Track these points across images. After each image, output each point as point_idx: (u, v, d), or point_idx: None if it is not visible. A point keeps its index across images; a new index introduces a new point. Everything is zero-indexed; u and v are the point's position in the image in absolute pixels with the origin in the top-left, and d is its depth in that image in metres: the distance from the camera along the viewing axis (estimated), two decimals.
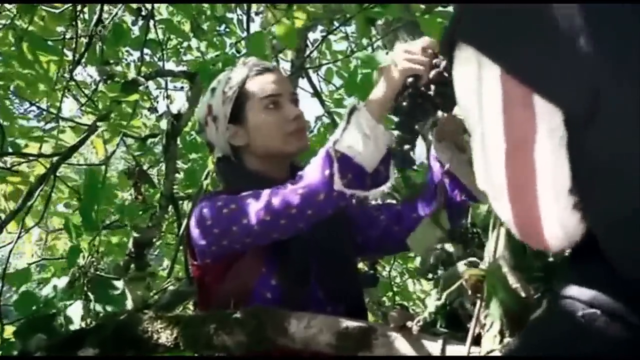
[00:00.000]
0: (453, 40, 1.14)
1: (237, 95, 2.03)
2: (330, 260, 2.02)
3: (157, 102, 5.26)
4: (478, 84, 1.09)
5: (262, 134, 2.03)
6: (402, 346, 1.65)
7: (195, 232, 2.01)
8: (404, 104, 1.79)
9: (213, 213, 1.95)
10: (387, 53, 2.50)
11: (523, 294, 1.34)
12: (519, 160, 1.06)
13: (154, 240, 4.33)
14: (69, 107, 5.32)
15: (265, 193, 1.85)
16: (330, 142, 1.77)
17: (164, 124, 4.68)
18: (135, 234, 3.87)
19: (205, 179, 3.36)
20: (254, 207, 1.84)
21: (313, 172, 1.79)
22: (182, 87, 5.70)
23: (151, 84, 5.03)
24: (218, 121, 2.05)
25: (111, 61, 4.71)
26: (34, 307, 2.55)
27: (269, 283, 1.98)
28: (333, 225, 2.00)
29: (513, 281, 1.34)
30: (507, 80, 1.06)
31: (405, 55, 1.75)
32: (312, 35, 5.06)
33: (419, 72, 1.74)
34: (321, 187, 1.76)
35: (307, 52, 4.42)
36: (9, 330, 2.77)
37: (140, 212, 4.14)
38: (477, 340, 1.40)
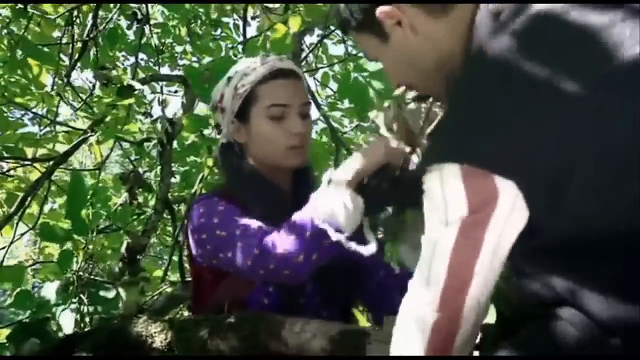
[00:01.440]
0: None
1: (246, 95, 2.00)
2: (328, 268, 2.01)
3: (152, 107, 5.24)
4: (440, 183, 1.30)
5: (261, 143, 2.02)
6: None
7: (191, 237, 2.02)
8: (370, 184, 1.82)
9: (207, 228, 1.95)
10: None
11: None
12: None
13: (148, 245, 4.32)
14: (64, 112, 5.30)
15: (254, 237, 1.85)
16: (311, 209, 1.80)
17: (158, 128, 4.69)
18: (128, 240, 3.86)
19: (200, 182, 3.35)
20: (240, 247, 1.86)
21: (295, 235, 1.81)
22: (176, 91, 5.69)
23: (146, 89, 5.02)
24: (225, 112, 2.05)
25: (107, 65, 4.70)
26: (29, 305, 2.55)
27: (267, 289, 1.97)
28: None
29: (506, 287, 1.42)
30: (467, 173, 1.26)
31: (390, 147, 1.80)
32: (308, 39, 5.07)
33: (396, 162, 1.80)
34: (300, 252, 1.79)
35: (303, 56, 4.41)
36: (2, 334, 2.76)
37: (134, 217, 4.13)
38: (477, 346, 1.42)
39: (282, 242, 1.81)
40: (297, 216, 1.82)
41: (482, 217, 1.26)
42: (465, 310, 1.29)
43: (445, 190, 1.29)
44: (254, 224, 1.90)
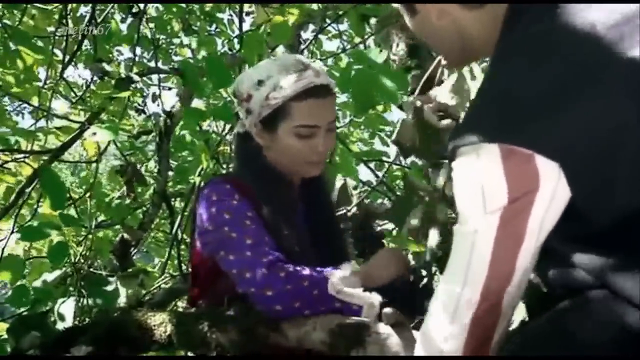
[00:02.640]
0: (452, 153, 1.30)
1: (278, 107, 1.94)
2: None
3: (145, 103, 5.23)
4: (479, 164, 1.24)
5: (284, 155, 1.99)
6: (395, 343, 1.66)
7: (199, 223, 2.00)
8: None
9: (217, 222, 1.93)
10: (380, 51, 2.50)
11: None
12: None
13: (142, 240, 4.32)
14: (59, 106, 5.28)
15: (265, 256, 1.86)
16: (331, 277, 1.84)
17: (150, 125, 4.69)
18: (125, 234, 3.86)
19: (199, 175, 3.35)
20: (249, 259, 1.85)
21: (305, 283, 1.83)
22: (170, 88, 5.67)
23: (140, 85, 5.02)
24: (251, 114, 1.99)
25: (104, 59, 4.69)
26: (26, 301, 2.55)
27: None
28: (337, 240, 2.11)
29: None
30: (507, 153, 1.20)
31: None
32: (303, 35, 5.07)
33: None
34: (299, 301, 1.81)
35: (300, 50, 4.41)
36: (1, 327, 2.76)
37: (131, 211, 4.14)
38: None
39: (290, 279, 1.81)
40: (317, 273, 1.84)
41: (524, 205, 1.21)
42: (505, 303, 1.26)
43: (483, 175, 1.24)
44: (266, 238, 1.90)
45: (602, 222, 1.21)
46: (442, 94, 1.97)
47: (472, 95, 1.85)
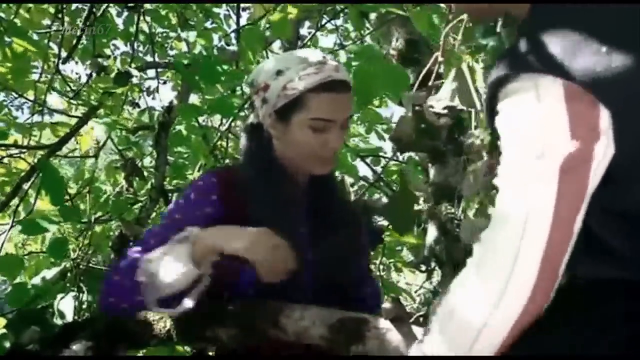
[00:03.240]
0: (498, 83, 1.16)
1: (294, 98, 1.92)
2: (327, 281, 2.00)
3: (140, 97, 5.22)
4: (537, 103, 1.09)
5: (295, 147, 1.97)
6: (395, 338, 1.66)
7: None
8: None
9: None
10: (380, 46, 2.51)
11: None
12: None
13: (140, 236, 4.32)
14: (54, 101, 5.27)
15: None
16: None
17: (146, 118, 4.69)
18: (123, 229, 3.87)
19: (198, 171, 3.35)
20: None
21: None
22: (165, 82, 5.67)
23: (136, 80, 5.01)
24: (266, 103, 1.98)
25: (102, 53, 4.69)
26: (26, 300, 2.55)
27: (252, 280, 1.96)
28: (337, 249, 2.03)
29: None
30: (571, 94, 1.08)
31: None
32: (300, 31, 5.07)
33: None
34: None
35: (298, 46, 4.41)
36: (1, 323, 2.76)
37: (130, 205, 4.13)
38: None
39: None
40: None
41: (586, 156, 1.07)
42: (561, 268, 1.11)
43: (543, 117, 1.09)
44: (155, 238, 1.93)
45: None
46: (444, 94, 1.97)
47: (475, 92, 1.85)
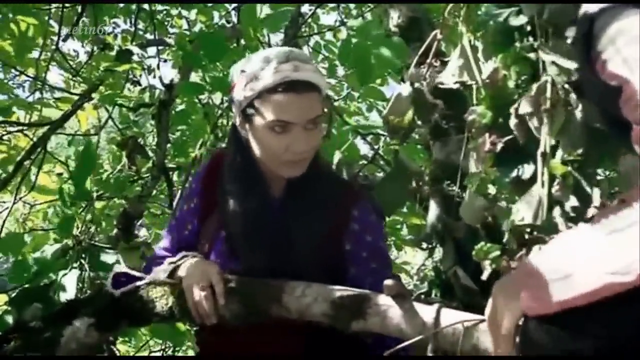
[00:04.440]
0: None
1: (254, 99, 1.88)
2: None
3: (141, 75, 5.21)
4: None
5: (259, 148, 1.92)
6: (396, 315, 1.67)
7: None
8: None
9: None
10: (381, 22, 2.50)
11: None
12: None
13: (143, 213, 4.34)
14: (52, 79, 5.26)
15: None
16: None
17: (146, 99, 4.68)
18: (126, 206, 3.88)
19: (200, 148, 3.35)
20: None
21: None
22: (165, 60, 5.65)
23: (136, 58, 5.00)
24: (234, 104, 1.96)
25: (104, 30, 4.67)
26: (28, 276, 2.56)
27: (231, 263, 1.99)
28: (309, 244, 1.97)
29: None
30: None
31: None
32: (302, 8, 5.04)
33: None
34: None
35: (299, 24, 4.39)
36: (2, 299, 2.77)
37: (130, 183, 4.14)
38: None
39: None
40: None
41: None
42: None
43: None
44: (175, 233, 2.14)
45: None
46: (453, 70, 1.96)
47: (482, 67, 1.84)
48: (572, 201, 1.61)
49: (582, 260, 1.10)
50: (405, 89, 2.07)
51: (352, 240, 2.01)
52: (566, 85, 1.60)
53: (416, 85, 2.06)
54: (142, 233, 5.34)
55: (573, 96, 1.60)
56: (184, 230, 2.11)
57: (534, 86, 1.65)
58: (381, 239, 2.10)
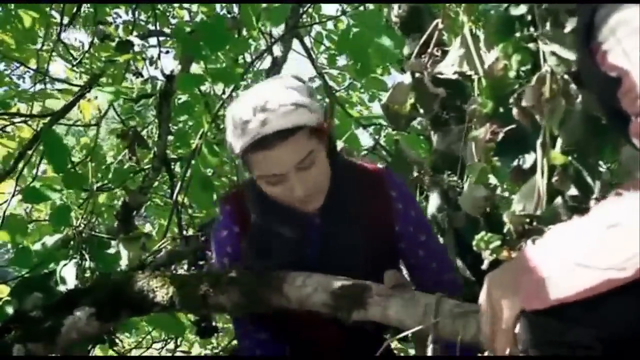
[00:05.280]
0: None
1: (242, 160, 1.87)
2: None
3: (143, 67, 5.20)
4: None
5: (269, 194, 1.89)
6: (397, 305, 1.67)
7: None
8: None
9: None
10: (380, 11, 2.49)
11: None
12: None
13: (144, 204, 4.34)
14: (55, 70, 5.27)
15: None
16: None
17: (148, 89, 4.68)
18: (127, 198, 3.88)
19: (200, 138, 3.35)
20: None
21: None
22: (167, 51, 5.65)
23: (137, 48, 4.99)
24: (231, 149, 1.91)
25: (106, 20, 4.67)
26: (29, 262, 2.56)
27: None
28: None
29: None
30: None
31: None
32: None
33: None
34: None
35: (301, 11, 4.37)
36: (5, 291, 2.78)
37: (132, 175, 4.14)
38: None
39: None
40: None
41: None
42: None
43: None
44: None
45: None
46: (453, 60, 1.95)
47: (484, 56, 1.83)
48: (573, 191, 1.61)
49: (581, 255, 1.10)
50: (406, 79, 2.07)
51: (400, 220, 2.01)
52: (565, 76, 1.59)
53: (417, 75, 2.05)
54: (147, 228, 5.37)
55: (573, 86, 1.60)
56: None
57: (534, 77, 1.64)
58: (419, 209, 2.11)
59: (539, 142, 1.62)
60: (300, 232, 1.92)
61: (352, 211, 1.93)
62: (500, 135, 1.72)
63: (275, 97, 1.79)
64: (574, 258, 1.10)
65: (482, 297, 1.29)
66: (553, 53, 1.61)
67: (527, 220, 1.59)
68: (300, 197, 1.82)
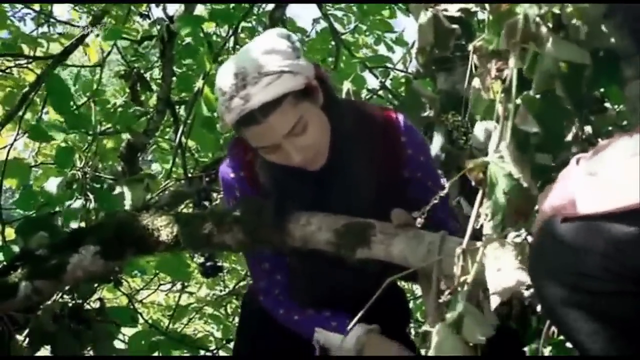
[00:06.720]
0: None
1: (235, 132, 1.85)
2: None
3: (150, 9, 5.14)
4: None
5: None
6: (401, 242, 1.67)
7: None
8: None
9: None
10: None
11: (525, 184, 1.30)
12: None
13: (148, 145, 4.34)
14: (57, 12, 5.19)
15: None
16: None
17: (156, 32, 4.63)
18: (130, 138, 3.88)
19: (203, 78, 3.32)
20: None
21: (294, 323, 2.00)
22: None
23: None
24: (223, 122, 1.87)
25: None
26: (34, 204, 2.57)
27: None
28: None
29: (516, 172, 1.31)
30: None
31: None
32: None
33: None
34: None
35: None
36: (10, 233, 2.79)
37: (135, 118, 4.13)
38: (477, 236, 1.41)
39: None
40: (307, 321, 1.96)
41: None
42: None
43: None
44: None
45: None
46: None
47: None
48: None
49: (611, 174, 1.10)
50: (423, 18, 2.01)
51: (409, 166, 1.97)
52: (537, 19, 1.55)
53: (431, 11, 2.00)
54: (153, 167, 5.37)
55: (543, 29, 1.55)
56: None
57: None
58: (430, 154, 2.10)
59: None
60: (308, 188, 1.88)
61: (360, 160, 1.89)
62: (506, 72, 1.70)
63: (256, 65, 1.73)
64: (606, 175, 1.10)
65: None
66: None
67: None
68: (298, 162, 1.78)
